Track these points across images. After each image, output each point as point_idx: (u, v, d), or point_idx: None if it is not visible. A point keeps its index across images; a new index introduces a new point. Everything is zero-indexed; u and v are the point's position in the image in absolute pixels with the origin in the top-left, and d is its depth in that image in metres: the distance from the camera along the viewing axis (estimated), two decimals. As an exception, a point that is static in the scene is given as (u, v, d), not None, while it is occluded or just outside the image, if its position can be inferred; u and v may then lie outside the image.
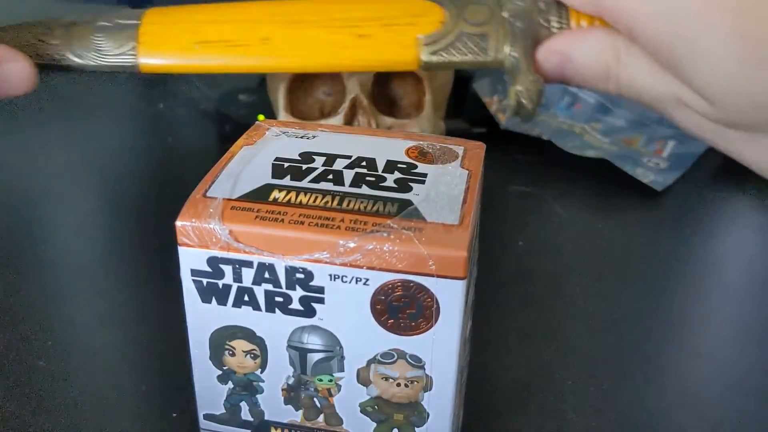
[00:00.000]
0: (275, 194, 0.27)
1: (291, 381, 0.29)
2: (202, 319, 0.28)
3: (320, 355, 0.28)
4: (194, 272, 0.27)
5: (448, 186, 0.28)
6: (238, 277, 0.27)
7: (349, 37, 0.32)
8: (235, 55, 0.33)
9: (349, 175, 0.28)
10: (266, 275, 0.26)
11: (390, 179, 0.28)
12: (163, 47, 0.33)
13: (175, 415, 0.35)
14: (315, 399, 0.29)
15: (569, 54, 0.30)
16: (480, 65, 0.32)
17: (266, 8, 0.34)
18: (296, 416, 0.30)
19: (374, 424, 0.29)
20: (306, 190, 0.27)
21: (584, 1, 0.30)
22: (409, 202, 0.27)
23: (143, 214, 0.51)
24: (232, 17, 0.34)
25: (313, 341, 0.27)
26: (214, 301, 0.27)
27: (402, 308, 0.26)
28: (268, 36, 0.33)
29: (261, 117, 0.57)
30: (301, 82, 0.49)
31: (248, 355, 0.28)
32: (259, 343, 0.28)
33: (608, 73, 0.30)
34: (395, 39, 0.32)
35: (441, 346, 0.27)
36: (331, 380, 0.28)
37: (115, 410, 0.35)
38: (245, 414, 0.30)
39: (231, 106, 0.61)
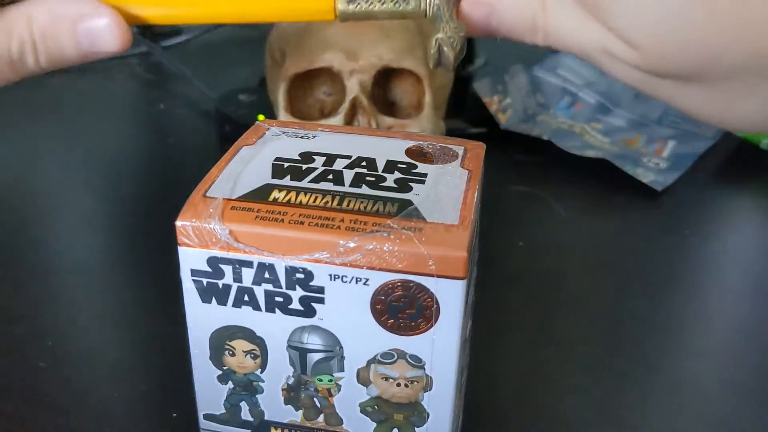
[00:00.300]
0: (275, 194, 0.27)
1: (291, 381, 0.29)
2: (202, 319, 0.28)
3: (320, 355, 0.28)
4: (194, 272, 0.27)
5: (448, 186, 0.28)
6: (238, 277, 0.27)
7: None
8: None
9: (349, 175, 0.28)
10: (266, 275, 0.26)
11: (390, 179, 0.28)
12: None
13: (175, 415, 0.35)
14: (315, 399, 0.29)
15: (495, 5, 0.29)
16: (400, 15, 0.31)
17: None
18: (296, 416, 0.30)
19: (374, 424, 0.29)
20: (306, 190, 0.27)
21: None
22: (409, 202, 0.27)
23: (143, 214, 0.51)
24: None
25: (313, 341, 0.27)
26: (214, 301, 0.27)
27: (402, 308, 0.26)
28: None
29: (261, 117, 0.57)
30: (301, 82, 0.49)
31: (248, 355, 0.28)
32: (259, 343, 0.28)
33: (535, 24, 0.29)
34: None
35: (441, 346, 0.27)
36: (331, 380, 0.28)
37: (115, 410, 0.35)
38: (245, 414, 0.30)
39: (231, 106, 0.61)
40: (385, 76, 0.49)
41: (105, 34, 0.29)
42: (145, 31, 0.74)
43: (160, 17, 0.31)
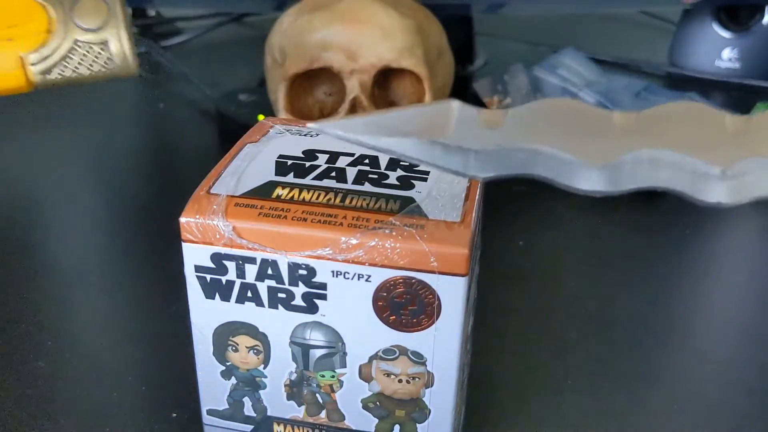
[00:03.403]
0: (278, 191, 0.27)
1: (293, 377, 0.29)
2: (205, 314, 0.28)
3: (322, 351, 0.28)
4: (198, 268, 0.27)
5: (450, 183, 0.28)
6: (241, 273, 0.27)
7: None
8: None
9: (351, 173, 0.29)
10: (269, 271, 0.27)
11: (392, 176, 0.28)
12: None
13: (175, 415, 0.35)
14: (317, 395, 0.29)
15: None
16: (112, 76, 0.28)
17: None
18: (299, 412, 0.30)
19: (376, 420, 0.29)
20: (309, 187, 0.28)
21: None
22: (411, 200, 0.27)
23: (143, 214, 0.51)
24: None
25: (315, 337, 0.28)
26: (217, 296, 0.28)
27: (404, 305, 0.26)
28: None
29: (261, 117, 0.58)
30: (301, 82, 0.49)
31: (251, 351, 0.29)
32: (262, 339, 0.28)
33: None
34: None
35: (442, 343, 0.27)
36: (333, 376, 0.28)
37: (115, 410, 0.35)
38: (248, 409, 0.30)
39: (231, 106, 0.62)
40: (385, 76, 0.49)
41: None
42: (145, 31, 0.74)
43: None
